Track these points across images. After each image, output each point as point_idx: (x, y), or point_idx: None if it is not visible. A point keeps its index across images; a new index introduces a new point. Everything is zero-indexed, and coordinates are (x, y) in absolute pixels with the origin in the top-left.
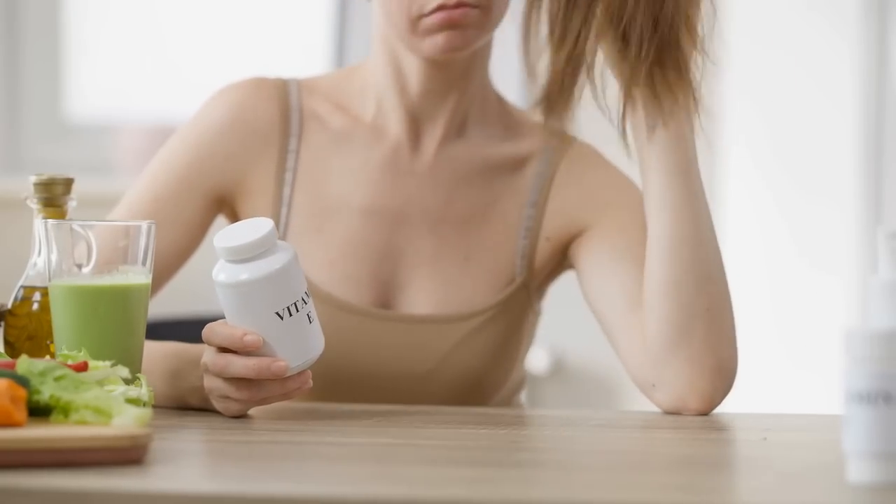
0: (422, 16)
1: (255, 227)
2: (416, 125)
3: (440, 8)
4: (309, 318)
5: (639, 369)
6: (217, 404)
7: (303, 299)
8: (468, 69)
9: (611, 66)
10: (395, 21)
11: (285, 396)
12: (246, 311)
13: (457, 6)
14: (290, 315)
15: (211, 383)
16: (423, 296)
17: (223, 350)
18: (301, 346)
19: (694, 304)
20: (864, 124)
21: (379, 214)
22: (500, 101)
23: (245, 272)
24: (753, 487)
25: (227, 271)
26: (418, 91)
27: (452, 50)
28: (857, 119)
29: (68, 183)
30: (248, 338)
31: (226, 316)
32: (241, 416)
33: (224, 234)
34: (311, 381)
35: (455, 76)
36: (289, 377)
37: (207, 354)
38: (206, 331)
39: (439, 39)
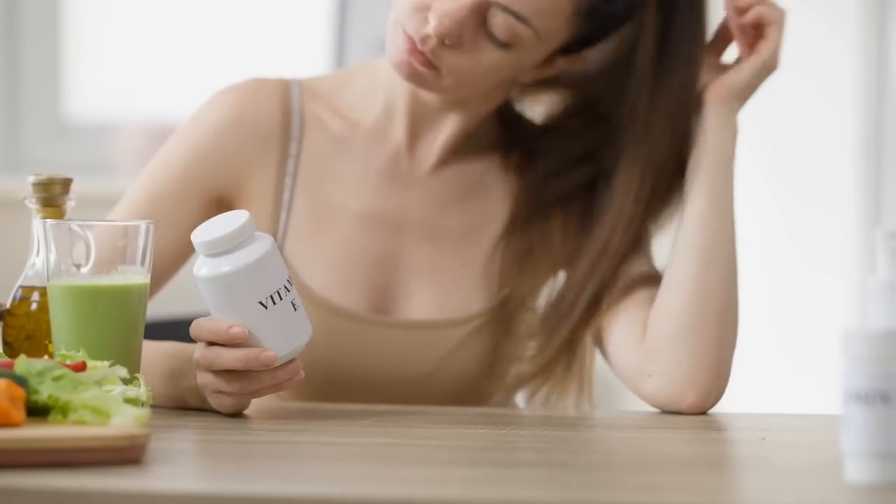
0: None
1: (231, 220)
2: (417, 130)
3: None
4: (293, 305)
5: (632, 359)
6: (212, 401)
7: (285, 287)
8: (463, 102)
9: None
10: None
11: (277, 388)
12: (229, 304)
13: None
14: (274, 303)
15: (203, 379)
16: (419, 301)
17: (211, 344)
18: (288, 334)
19: (712, 305)
20: (864, 124)
21: (377, 221)
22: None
23: (226, 264)
24: (752, 487)
25: (207, 265)
26: (424, 99)
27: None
28: (857, 119)
29: (67, 183)
30: (234, 330)
31: (210, 311)
32: (239, 416)
33: (201, 230)
34: (302, 372)
35: (448, 104)
36: (279, 367)
37: (197, 350)
38: (193, 326)
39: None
